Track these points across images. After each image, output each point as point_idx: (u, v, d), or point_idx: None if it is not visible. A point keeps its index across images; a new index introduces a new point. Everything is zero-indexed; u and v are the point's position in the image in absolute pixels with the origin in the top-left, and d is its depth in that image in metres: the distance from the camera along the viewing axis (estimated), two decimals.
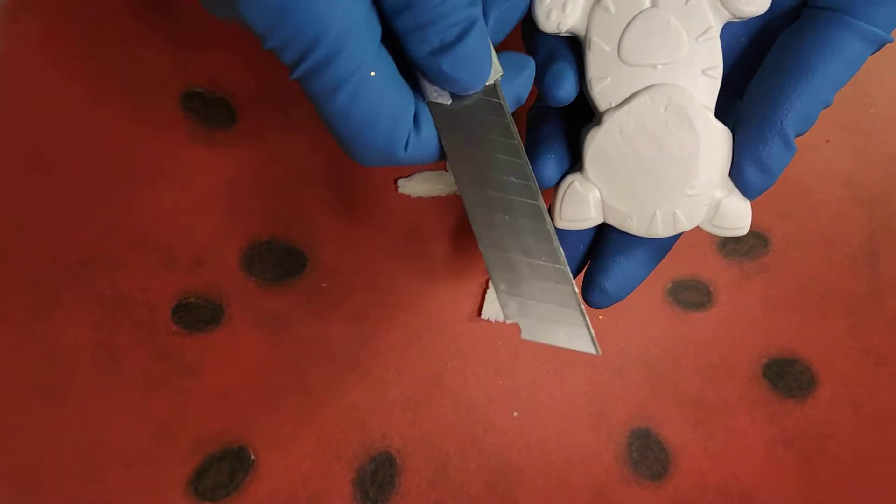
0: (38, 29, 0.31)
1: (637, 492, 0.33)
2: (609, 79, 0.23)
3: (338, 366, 0.33)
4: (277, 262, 0.33)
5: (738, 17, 0.22)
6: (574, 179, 0.23)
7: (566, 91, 0.22)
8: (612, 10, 0.23)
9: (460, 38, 0.19)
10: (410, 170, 0.33)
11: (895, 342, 0.33)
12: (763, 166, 0.22)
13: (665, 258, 0.33)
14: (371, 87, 0.20)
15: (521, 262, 0.21)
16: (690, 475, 0.33)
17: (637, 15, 0.22)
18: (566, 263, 0.22)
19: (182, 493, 0.32)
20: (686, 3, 0.22)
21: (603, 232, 0.25)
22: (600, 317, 0.33)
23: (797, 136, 0.22)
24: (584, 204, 0.23)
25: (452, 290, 0.33)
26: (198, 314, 0.32)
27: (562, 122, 0.25)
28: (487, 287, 0.33)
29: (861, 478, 0.33)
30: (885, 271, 0.34)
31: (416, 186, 0.33)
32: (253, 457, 0.32)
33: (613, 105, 0.23)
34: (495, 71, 0.21)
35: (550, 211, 0.23)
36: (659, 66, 0.22)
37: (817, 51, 0.21)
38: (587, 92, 0.23)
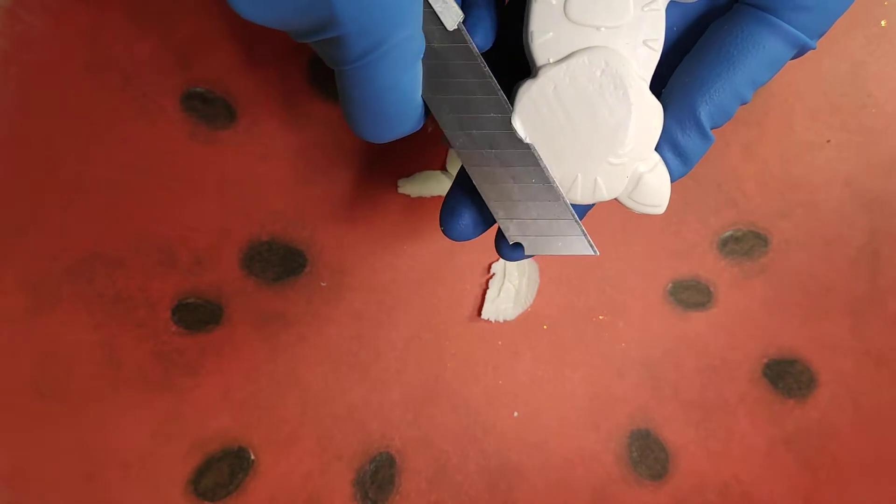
0: (40, 28, 0.31)
1: (637, 492, 0.33)
2: (551, 34, 0.22)
3: (338, 366, 0.33)
4: (277, 262, 0.33)
5: None
6: None
7: (480, 40, 0.22)
8: None
9: None
10: (410, 170, 0.33)
11: (895, 342, 0.33)
12: (680, 152, 0.23)
13: (665, 258, 0.33)
14: (418, 71, 0.21)
15: (513, 188, 0.23)
16: (690, 475, 0.33)
17: None
18: (554, 180, 0.23)
19: (182, 493, 0.32)
20: None
21: None
22: (600, 316, 0.33)
23: (713, 128, 0.22)
24: None
25: (452, 290, 0.33)
26: (198, 314, 0.32)
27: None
28: (487, 287, 0.33)
29: (861, 478, 0.33)
30: (885, 271, 0.34)
31: (416, 186, 0.33)
32: (253, 457, 0.32)
33: (552, 61, 0.22)
34: (457, 14, 0.22)
35: None
36: (602, 29, 0.22)
37: (739, 46, 0.22)
38: (527, 44, 0.23)
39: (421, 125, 0.23)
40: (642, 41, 0.22)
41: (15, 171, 0.31)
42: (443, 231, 0.25)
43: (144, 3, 0.32)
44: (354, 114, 0.21)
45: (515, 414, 0.33)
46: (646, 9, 0.22)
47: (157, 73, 0.32)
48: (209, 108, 0.32)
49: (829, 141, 0.34)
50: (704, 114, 0.22)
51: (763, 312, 0.34)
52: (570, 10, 0.22)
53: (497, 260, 0.33)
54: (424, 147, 0.33)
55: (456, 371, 0.33)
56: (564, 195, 0.23)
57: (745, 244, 0.34)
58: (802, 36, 0.22)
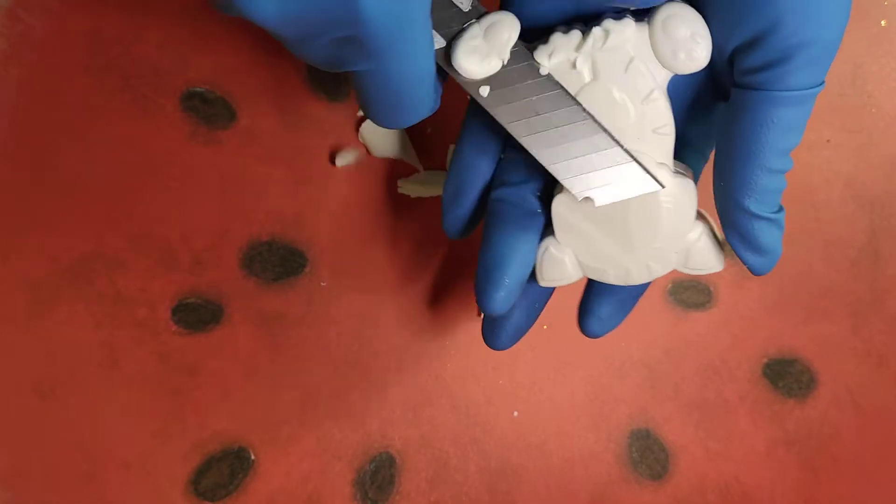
0: (40, 28, 0.31)
1: (637, 492, 0.33)
2: None
3: (338, 366, 0.33)
4: (277, 262, 0.33)
5: (680, 73, 0.23)
6: (549, 244, 0.25)
7: None
8: None
9: None
10: (410, 170, 0.33)
11: (895, 342, 0.33)
12: (753, 246, 0.23)
13: None
14: (433, 60, 0.21)
15: (569, 146, 0.23)
16: (690, 475, 0.33)
17: (580, 90, 0.22)
18: (605, 129, 0.23)
19: (182, 493, 0.32)
20: (626, 71, 0.22)
21: None
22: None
23: (772, 211, 0.23)
24: (561, 266, 0.25)
25: (452, 290, 0.33)
26: (198, 314, 0.32)
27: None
28: None
29: (861, 478, 0.33)
30: (885, 271, 0.34)
31: (416, 187, 0.33)
32: (253, 457, 0.32)
33: None
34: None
35: (534, 270, 0.25)
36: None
37: (754, 134, 0.21)
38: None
39: (437, 106, 0.23)
40: (651, 131, 0.23)
41: (15, 171, 0.31)
42: (481, 305, 0.24)
43: (144, 4, 0.32)
44: (377, 108, 0.21)
45: (515, 414, 0.33)
46: (645, 102, 0.22)
47: (157, 74, 0.32)
48: (209, 108, 0.32)
49: (828, 141, 0.34)
50: (753, 205, 0.22)
51: (763, 312, 0.33)
52: None
53: None
54: (425, 147, 0.33)
55: (456, 371, 0.33)
56: (619, 142, 0.23)
57: None
58: (808, 91, 0.21)
